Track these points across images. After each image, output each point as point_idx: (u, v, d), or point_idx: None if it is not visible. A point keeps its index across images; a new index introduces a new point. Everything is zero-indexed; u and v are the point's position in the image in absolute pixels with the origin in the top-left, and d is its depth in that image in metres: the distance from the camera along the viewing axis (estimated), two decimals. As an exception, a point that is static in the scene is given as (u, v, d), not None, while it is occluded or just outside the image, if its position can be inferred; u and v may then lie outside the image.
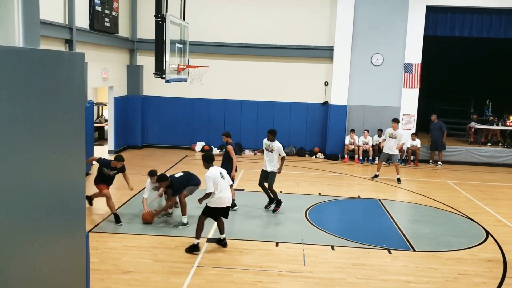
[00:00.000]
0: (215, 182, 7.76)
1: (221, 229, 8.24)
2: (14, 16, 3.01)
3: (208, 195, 7.80)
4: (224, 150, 10.67)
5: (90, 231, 8.64)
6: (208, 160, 8.03)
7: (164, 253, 7.83)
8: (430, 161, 16.95)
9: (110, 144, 16.45)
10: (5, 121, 2.73)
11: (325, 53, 17.19)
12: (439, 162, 16.71)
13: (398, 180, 13.79)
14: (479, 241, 9.01)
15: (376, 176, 14.21)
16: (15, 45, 3.01)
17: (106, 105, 17.94)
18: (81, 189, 3.65)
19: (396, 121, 13.98)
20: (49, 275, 3.34)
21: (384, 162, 14.57)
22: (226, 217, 8.17)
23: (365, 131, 16.83)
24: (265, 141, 10.56)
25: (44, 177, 3.18)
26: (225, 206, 7.97)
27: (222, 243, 8.23)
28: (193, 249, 7.92)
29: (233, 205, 10.14)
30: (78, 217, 3.70)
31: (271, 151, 10.36)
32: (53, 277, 3.39)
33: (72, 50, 12.49)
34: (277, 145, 10.33)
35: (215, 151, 16.59)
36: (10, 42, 3.00)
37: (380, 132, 16.78)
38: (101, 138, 18.47)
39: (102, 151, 16.25)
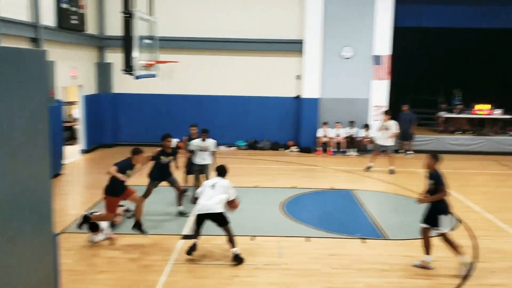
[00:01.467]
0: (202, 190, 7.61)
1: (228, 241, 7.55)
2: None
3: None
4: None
5: (63, 232, 8.49)
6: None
7: (139, 252, 7.76)
8: (400, 150, 17.24)
9: (82, 143, 16.16)
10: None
11: (296, 46, 17.25)
12: (409, 152, 17.02)
13: (391, 171, 13.93)
14: (451, 228, 9.20)
15: (370, 167, 14.24)
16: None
17: (76, 104, 17.59)
18: (47, 190, 3.57)
19: (387, 113, 14.14)
20: (17, 277, 3.27)
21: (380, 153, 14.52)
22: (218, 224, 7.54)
23: (337, 123, 17.00)
24: (198, 142, 10.35)
25: (7, 179, 3.10)
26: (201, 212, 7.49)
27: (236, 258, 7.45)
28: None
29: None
30: (46, 218, 3.62)
31: (206, 150, 10.33)
32: (22, 279, 3.32)
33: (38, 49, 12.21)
34: (211, 141, 10.39)
35: (175, 140, 16.20)
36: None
37: (352, 123, 16.99)
38: (72, 138, 18.11)
39: (73, 151, 15.97)
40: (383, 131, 13.96)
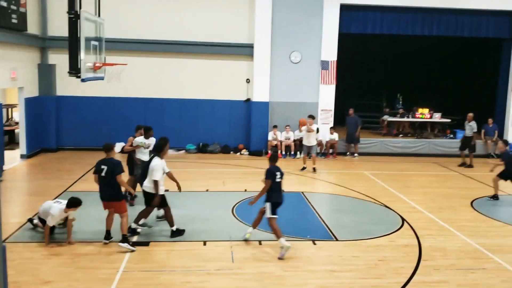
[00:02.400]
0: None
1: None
2: None
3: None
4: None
5: (4, 241, 8.06)
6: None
7: (86, 260, 7.51)
8: (347, 153, 17.70)
9: (22, 148, 15.44)
10: None
11: (245, 50, 17.33)
12: (355, 154, 17.51)
13: (314, 169, 14.56)
14: (396, 228, 9.56)
15: (304, 168, 14.79)
16: None
17: (16, 106, 16.80)
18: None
19: (312, 117, 14.62)
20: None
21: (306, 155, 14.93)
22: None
23: (287, 127, 17.22)
24: (141, 139, 10.55)
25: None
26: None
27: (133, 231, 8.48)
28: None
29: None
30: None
31: (148, 147, 10.49)
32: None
33: (-25, 48, 11.58)
34: (154, 140, 10.46)
35: (119, 145, 15.90)
36: None
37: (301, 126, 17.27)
38: (12, 142, 17.29)
39: (13, 156, 15.25)
40: (308, 133, 14.51)
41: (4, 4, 13.02)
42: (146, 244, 8.27)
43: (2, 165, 12.84)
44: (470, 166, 16.01)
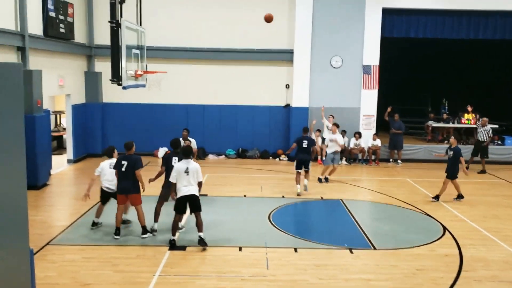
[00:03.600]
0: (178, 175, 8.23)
1: (198, 226, 8.45)
2: None
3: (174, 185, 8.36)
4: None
5: (47, 243, 8.40)
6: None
7: (124, 264, 7.68)
8: (390, 160, 17.32)
9: (69, 153, 16.03)
10: None
11: (285, 56, 17.33)
12: (399, 161, 17.10)
13: (326, 179, 13.83)
14: (436, 237, 9.26)
15: (326, 179, 13.98)
16: None
17: (64, 113, 17.49)
18: (22, 203, 3.54)
19: (336, 125, 14.08)
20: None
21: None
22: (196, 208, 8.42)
23: (330, 116, 16.49)
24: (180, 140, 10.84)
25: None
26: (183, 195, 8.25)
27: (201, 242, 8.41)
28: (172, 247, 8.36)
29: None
30: (21, 232, 3.58)
31: None
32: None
33: (24, 58, 12.14)
34: (193, 140, 11.00)
35: (162, 150, 16.27)
36: None
37: (343, 133, 17.00)
38: (60, 147, 18.00)
39: (60, 161, 15.85)
40: (332, 142, 13.76)
41: (53, 14, 13.61)
42: (183, 248, 8.37)
43: (50, 170, 13.36)
44: (483, 171, 15.61)
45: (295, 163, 12.34)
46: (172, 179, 8.33)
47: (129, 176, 8.59)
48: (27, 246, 3.67)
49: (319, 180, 13.83)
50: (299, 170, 12.24)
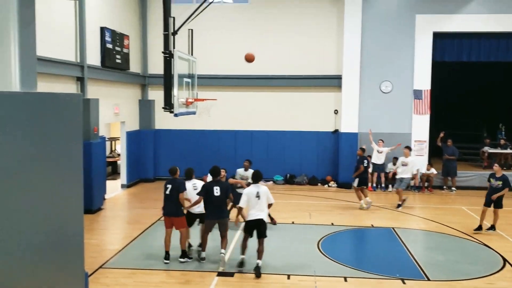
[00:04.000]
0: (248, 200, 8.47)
1: (258, 253, 8.55)
2: (11, 61, 3.12)
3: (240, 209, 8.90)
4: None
5: (100, 267, 8.64)
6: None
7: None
8: (444, 187, 16.73)
9: (123, 178, 16.58)
10: (2, 164, 2.81)
11: (333, 81, 17.31)
12: (453, 188, 16.49)
13: (399, 205, 13.90)
14: (496, 269, 8.80)
15: (404, 201, 14.03)
16: (11, 90, 3.11)
17: (118, 139, 18.16)
18: (79, 227, 3.69)
19: (408, 148, 14.47)
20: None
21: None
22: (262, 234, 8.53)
23: (380, 141, 16.40)
24: (241, 171, 11.26)
25: (41, 217, 3.23)
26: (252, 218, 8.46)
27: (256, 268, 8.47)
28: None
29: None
30: (77, 255, 3.72)
31: (246, 179, 10.90)
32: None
33: (83, 87, 12.77)
34: (251, 172, 10.36)
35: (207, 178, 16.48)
36: (7, 87, 3.10)
37: (395, 160, 16.65)
38: (114, 172, 18.63)
39: (115, 186, 16.37)
40: (404, 167, 14.08)
41: (110, 46, 14.31)
42: (231, 275, 8.38)
43: (104, 194, 13.83)
44: None
45: (357, 181, 13.48)
46: (242, 204, 8.57)
47: (173, 199, 8.78)
48: (82, 269, 3.81)
49: (399, 206, 13.91)
50: (361, 187, 13.57)
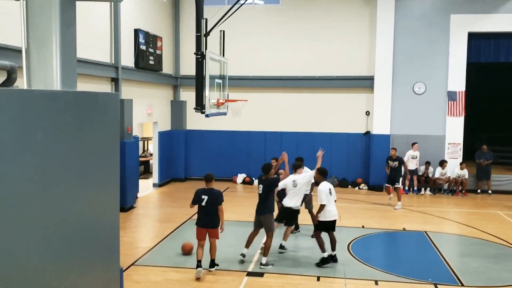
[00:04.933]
0: (327, 196, 8.74)
1: (333, 245, 8.96)
2: (53, 62, 3.24)
3: (322, 207, 8.74)
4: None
5: (132, 264, 8.80)
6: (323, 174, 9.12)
7: (203, 287, 7.85)
8: (478, 190, 16.31)
9: (155, 177, 16.84)
10: (42, 161, 2.91)
11: (365, 83, 17.13)
12: (489, 191, 16.08)
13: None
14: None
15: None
16: (53, 89, 3.21)
17: (151, 139, 18.47)
18: (115, 224, 3.78)
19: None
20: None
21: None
22: (334, 229, 9.03)
23: (415, 144, 16.22)
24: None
25: (80, 213, 3.33)
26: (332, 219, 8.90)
27: (333, 259, 8.96)
28: (324, 262, 8.83)
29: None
30: (113, 251, 3.81)
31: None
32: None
33: (117, 88, 13.05)
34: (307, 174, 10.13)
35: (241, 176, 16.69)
36: (48, 86, 3.21)
37: (427, 165, 16.35)
38: (146, 172, 18.95)
39: (147, 185, 16.65)
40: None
41: (143, 47, 14.57)
42: (260, 275, 8.40)
43: (137, 193, 14.09)
44: None
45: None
46: (323, 201, 8.74)
47: (211, 212, 8.23)
48: (118, 264, 3.91)
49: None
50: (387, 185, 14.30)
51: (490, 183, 16.18)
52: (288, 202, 9.34)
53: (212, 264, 8.55)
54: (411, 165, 15.75)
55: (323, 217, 8.86)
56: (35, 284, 2.93)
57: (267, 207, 8.87)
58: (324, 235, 9.02)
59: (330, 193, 8.92)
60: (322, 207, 8.75)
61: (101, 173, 3.47)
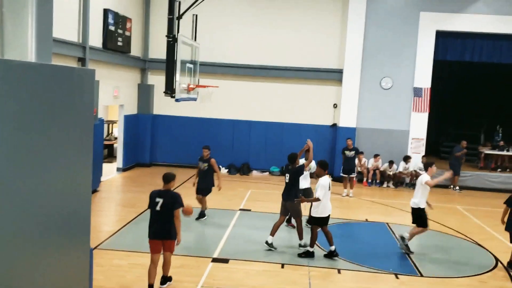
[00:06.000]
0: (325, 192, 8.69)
1: (329, 240, 8.88)
2: (28, 33, 3.09)
3: (316, 200, 8.68)
4: (206, 164, 10.86)
5: (95, 247, 8.63)
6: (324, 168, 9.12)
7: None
8: (451, 186, 16.64)
9: (119, 162, 16.53)
10: (14, 133, 2.78)
11: (334, 75, 17.29)
12: (457, 187, 16.51)
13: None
14: (488, 268, 8.86)
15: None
16: (27, 60, 3.07)
17: (116, 122, 18.09)
18: (86, 206, 3.68)
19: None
20: (52, 290, 3.34)
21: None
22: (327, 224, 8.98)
23: (376, 156, 16.62)
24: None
25: (50, 193, 3.21)
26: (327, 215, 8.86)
27: (334, 253, 8.90)
28: (308, 255, 8.79)
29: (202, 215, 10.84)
30: (83, 233, 3.71)
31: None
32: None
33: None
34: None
35: (223, 170, 16.71)
36: (23, 57, 3.07)
37: (391, 164, 16.56)
38: (110, 156, 18.57)
39: (110, 169, 16.33)
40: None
41: (112, 28, 14.19)
42: (225, 261, 8.40)
43: (100, 177, 13.80)
44: None
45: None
46: (320, 196, 8.61)
47: (166, 218, 6.82)
48: (88, 245, 3.82)
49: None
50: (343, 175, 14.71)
51: (457, 179, 16.57)
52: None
53: (164, 280, 7.25)
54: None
55: (318, 213, 8.77)
56: (8, 264, 2.82)
57: (294, 194, 9.22)
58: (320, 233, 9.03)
59: (329, 188, 8.88)
60: (316, 200, 8.69)
61: (74, 150, 3.35)
